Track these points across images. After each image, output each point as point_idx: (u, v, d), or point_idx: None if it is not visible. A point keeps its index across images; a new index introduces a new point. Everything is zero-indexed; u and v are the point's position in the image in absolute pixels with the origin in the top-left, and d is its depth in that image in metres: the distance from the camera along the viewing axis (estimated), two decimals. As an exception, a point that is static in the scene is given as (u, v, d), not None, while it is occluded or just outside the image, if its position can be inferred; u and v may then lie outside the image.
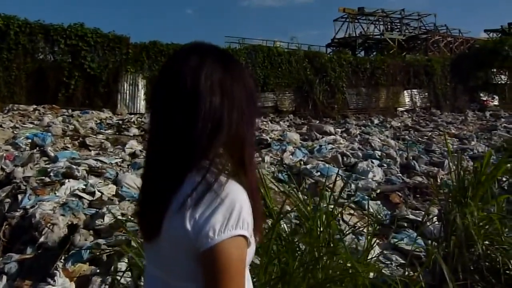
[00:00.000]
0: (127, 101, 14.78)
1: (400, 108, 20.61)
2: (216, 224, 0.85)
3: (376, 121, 16.71)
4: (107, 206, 5.59)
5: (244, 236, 0.88)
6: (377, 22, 33.66)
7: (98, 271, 4.37)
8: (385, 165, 8.10)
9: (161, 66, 1.02)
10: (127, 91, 14.82)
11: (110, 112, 13.21)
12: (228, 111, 0.92)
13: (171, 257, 0.92)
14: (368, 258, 5.07)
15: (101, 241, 4.82)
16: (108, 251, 4.90)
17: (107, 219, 5.39)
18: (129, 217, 5.79)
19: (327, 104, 18.22)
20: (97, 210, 5.57)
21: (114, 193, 6.18)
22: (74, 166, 6.56)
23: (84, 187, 6.04)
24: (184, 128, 0.90)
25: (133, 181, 6.85)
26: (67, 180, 6.18)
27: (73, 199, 5.74)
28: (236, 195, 0.89)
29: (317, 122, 15.78)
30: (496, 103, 23.44)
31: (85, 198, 5.77)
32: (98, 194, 5.92)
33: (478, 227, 3.94)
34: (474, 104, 22.49)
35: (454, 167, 4.35)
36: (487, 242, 3.88)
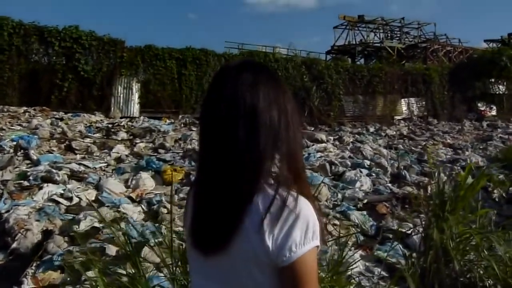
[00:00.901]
0: (121, 104, 14.68)
1: (397, 117, 20.49)
2: (296, 238, 0.91)
3: (371, 129, 16.59)
4: (84, 212, 5.50)
5: (318, 246, 0.95)
6: (377, 30, 33.67)
7: (68, 279, 4.26)
8: (374, 174, 7.98)
9: (210, 85, 1.04)
10: (121, 95, 14.73)
11: (102, 115, 13.10)
12: (285, 126, 0.97)
13: (243, 273, 0.95)
14: (348, 271, 4.94)
15: (73, 248, 4.71)
16: (80, 259, 4.79)
17: (83, 226, 5.28)
18: (107, 223, 5.70)
19: (324, 111, 18.12)
20: (74, 216, 5.46)
21: (93, 199, 6.07)
22: (55, 170, 6.45)
23: (62, 192, 5.93)
24: (247, 145, 0.93)
25: (115, 186, 6.74)
26: (45, 185, 6.08)
27: (50, 204, 5.64)
28: (307, 209, 0.94)
29: (312, 129, 15.67)
30: (494, 113, 23.32)
31: (62, 204, 5.66)
32: (76, 200, 5.82)
33: (457, 242, 3.82)
34: (471, 113, 22.37)
35: (445, 177, 4.23)
36: (470, 257, 3.77)
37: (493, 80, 23.73)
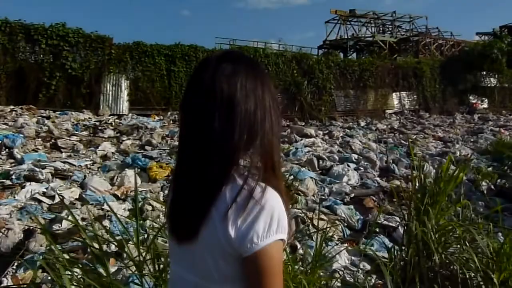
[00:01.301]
0: (110, 102, 14.57)
1: (388, 111, 20.51)
2: (259, 230, 0.90)
3: (362, 124, 16.59)
4: (66, 210, 5.43)
5: (283, 240, 0.94)
6: (368, 24, 33.63)
7: (49, 278, 4.21)
8: (362, 168, 7.95)
9: (191, 75, 1.04)
10: (110, 92, 14.61)
11: (90, 113, 12.99)
12: (261, 118, 0.96)
13: (208, 260, 0.95)
14: (326, 265, 4.91)
15: (56, 247, 4.65)
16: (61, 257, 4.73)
17: (66, 224, 5.23)
18: (90, 222, 5.64)
19: (315, 106, 18.08)
20: (56, 214, 5.40)
21: (77, 197, 6.01)
22: (38, 169, 6.37)
23: (45, 190, 5.86)
24: (222, 136, 0.93)
25: (100, 184, 6.67)
26: (28, 183, 6.00)
27: (32, 203, 5.57)
28: (274, 202, 0.93)
29: (303, 124, 15.63)
30: (485, 105, 23.41)
31: (44, 202, 5.59)
32: (58, 198, 5.75)
33: (438, 235, 3.80)
34: (463, 106, 22.44)
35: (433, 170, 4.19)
36: (451, 250, 3.74)
37: (484, 73, 23.80)
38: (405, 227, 4.17)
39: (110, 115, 13.67)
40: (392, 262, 3.86)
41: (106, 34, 14.68)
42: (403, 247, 3.97)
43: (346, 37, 32.72)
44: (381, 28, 34.27)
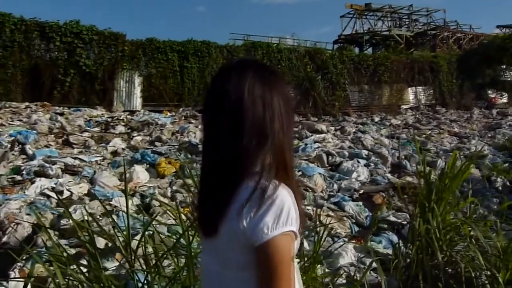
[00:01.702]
0: (123, 98, 14.71)
1: (404, 106, 20.20)
2: (269, 222, 0.98)
3: (377, 119, 16.37)
4: (74, 205, 5.50)
5: (293, 231, 1.01)
6: (384, 18, 33.15)
7: (55, 272, 4.26)
8: (372, 164, 7.85)
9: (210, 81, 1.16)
10: (123, 89, 14.75)
11: (103, 109, 13.13)
12: (270, 121, 1.04)
13: (228, 251, 1.06)
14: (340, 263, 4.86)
15: (62, 241, 4.72)
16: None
17: (77, 218, 5.28)
18: (98, 217, 5.70)
19: (328, 101, 17.91)
20: (65, 209, 5.47)
21: (86, 192, 6.08)
22: (48, 165, 6.46)
23: (54, 186, 5.94)
24: (233, 140, 1.02)
25: (109, 179, 6.74)
26: (38, 179, 6.10)
27: (41, 198, 5.65)
28: (284, 197, 1.01)
29: (316, 119, 15.52)
30: (504, 100, 22.86)
31: (53, 197, 5.67)
32: (67, 193, 5.82)
33: (444, 233, 3.72)
34: (481, 101, 21.94)
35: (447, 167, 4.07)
36: (457, 248, 3.66)
37: (504, 66, 23.21)
38: (410, 224, 4.10)
39: (123, 111, 13.81)
40: (396, 260, 3.81)
41: (119, 31, 14.81)
42: (408, 245, 3.91)
43: (361, 31, 32.33)
44: (397, 22, 33.76)
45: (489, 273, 3.32)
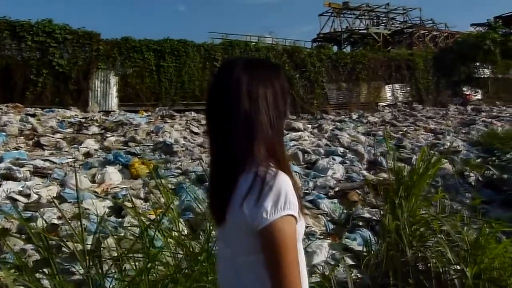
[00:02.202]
0: (99, 98, 14.43)
1: (381, 103, 20.40)
2: (268, 206, 1.03)
3: (354, 117, 16.48)
4: (42, 209, 5.34)
5: (293, 215, 1.06)
6: (362, 17, 33.46)
7: (21, 279, 4.12)
8: (347, 161, 7.87)
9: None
10: (99, 89, 14.47)
11: (78, 110, 12.85)
12: (256, 115, 1.09)
13: (235, 238, 1.12)
14: (314, 261, 4.83)
15: (28, 246, 4.58)
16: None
17: (41, 223, 5.13)
18: (68, 220, 5.55)
19: (307, 99, 17.95)
20: (32, 213, 5.31)
21: (55, 195, 5.92)
22: (16, 167, 6.27)
23: (21, 189, 5.76)
24: (226, 137, 1.12)
25: (80, 181, 6.57)
26: (4, 182, 5.91)
27: (7, 202, 5.47)
28: (282, 182, 1.06)
29: (294, 118, 15.53)
30: (479, 97, 23.32)
31: (20, 201, 5.50)
32: (35, 196, 5.66)
33: (415, 228, 3.73)
34: (456, 98, 22.33)
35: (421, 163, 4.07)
36: (428, 243, 3.67)
37: (478, 64, 23.67)
38: (380, 221, 4.10)
39: (99, 111, 13.55)
40: (367, 257, 3.80)
41: (93, 30, 14.52)
42: (380, 241, 3.91)
43: (340, 30, 32.56)
44: (375, 21, 34.12)
45: (458, 267, 3.34)
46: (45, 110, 12.13)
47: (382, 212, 4.12)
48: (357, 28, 32.99)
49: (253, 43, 18.65)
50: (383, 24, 33.74)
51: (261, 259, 1.06)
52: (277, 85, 1.16)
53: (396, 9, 33.58)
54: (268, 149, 1.11)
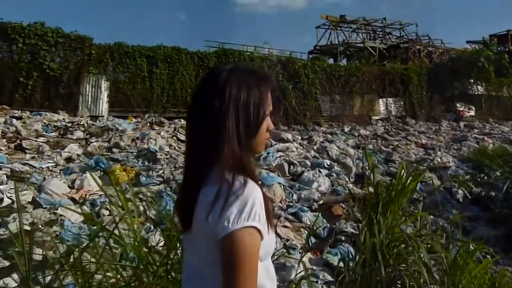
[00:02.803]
0: (89, 103, 14.29)
1: (374, 117, 20.37)
2: (230, 216, 1.00)
3: (346, 129, 16.42)
4: (14, 214, 5.19)
5: (256, 228, 1.01)
6: (359, 31, 33.65)
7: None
8: (334, 174, 7.75)
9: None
10: (90, 93, 14.33)
11: (66, 114, 12.69)
12: (225, 120, 1.07)
13: (201, 246, 1.08)
14: (292, 276, 4.68)
15: (-4, 253, 4.43)
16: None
17: (13, 228, 4.98)
18: (40, 225, 5.39)
19: (299, 110, 17.88)
20: (3, 218, 5.15)
21: (30, 200, 5.76)
22: (-9, 171, 6.12)
23: (-6, 193, 5.60)
24: (194, 142, 1.13)
25: (58, 187, 6.42)
26: (-23, 185, 5.75)
27: (-21, 206, 5.31)
28: (250, 192, 1.03)
29: (286, 128, 15.44)
30: (472, 113, 23.36)
31: (-9, 206, 5.34)
32: (8, 201, 5.50)
33: (392, 246, 3.61)
34: (450, 114, 22.35)
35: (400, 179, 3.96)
36: (403, 265, 3.54)
37: (472, 80, 23.76)
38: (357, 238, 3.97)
39: (89, 116, 13.40)
40: (342, 274, 3.67)
41: (86, 34, 14.43)
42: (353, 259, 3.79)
43: (336, 42, 32.68)
44: (371, 35, 34.32)
45: (434, 288, 3.23)
46: (33, 113, 11.98)
47: (359, 228, 4.00)
48: (353, 41, 33.14)
49: (248, 53, 18.61)
50: (379, 38, 33.93)
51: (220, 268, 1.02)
52: (255, 94, 1.12)
53: (392, 24, 33.81)
54: (235, 159, 1.07)
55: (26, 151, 7.91)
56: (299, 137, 11.85)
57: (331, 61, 28.42)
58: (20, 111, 11.70)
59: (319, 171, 7.53)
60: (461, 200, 8.20)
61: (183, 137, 9.73)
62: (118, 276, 2.50)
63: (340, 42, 32.70)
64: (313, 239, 5.85)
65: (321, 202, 6.73)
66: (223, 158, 1.06)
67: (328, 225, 6.19)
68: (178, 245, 2.68)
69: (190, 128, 1.15)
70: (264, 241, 1.05)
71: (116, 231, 2.95)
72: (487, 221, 7.07)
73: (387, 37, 33.95)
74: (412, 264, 3.45)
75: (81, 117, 12.43)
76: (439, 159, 11.10)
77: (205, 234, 1.04)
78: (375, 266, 3.46)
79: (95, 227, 5.02)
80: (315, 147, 10.27)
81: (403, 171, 3.72)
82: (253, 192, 1.04)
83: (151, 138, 8.69)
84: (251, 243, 1.01)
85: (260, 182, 1.16)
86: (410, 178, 3.76)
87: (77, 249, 3.46)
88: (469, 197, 8.29)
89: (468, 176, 9.43)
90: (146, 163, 7.37)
